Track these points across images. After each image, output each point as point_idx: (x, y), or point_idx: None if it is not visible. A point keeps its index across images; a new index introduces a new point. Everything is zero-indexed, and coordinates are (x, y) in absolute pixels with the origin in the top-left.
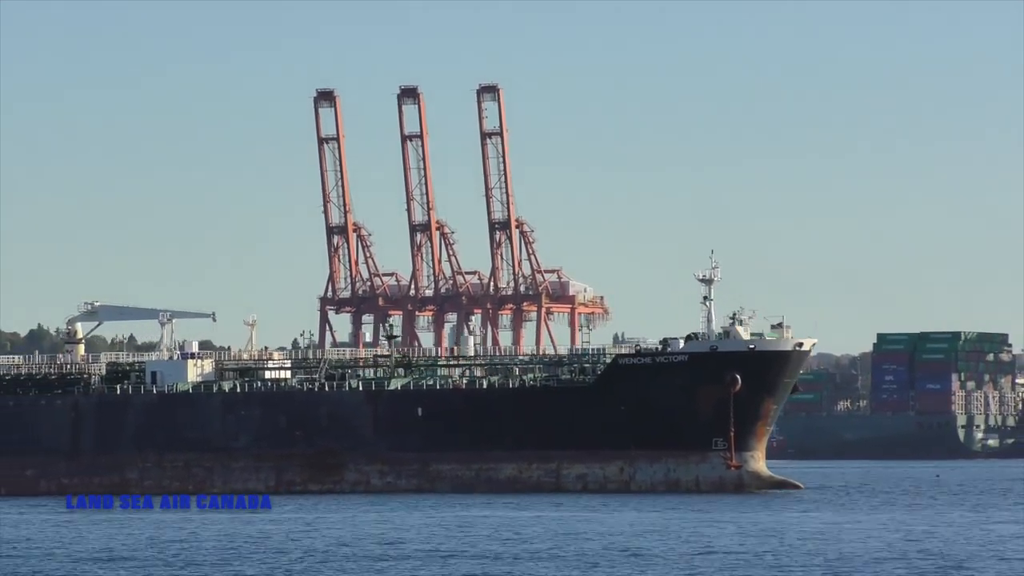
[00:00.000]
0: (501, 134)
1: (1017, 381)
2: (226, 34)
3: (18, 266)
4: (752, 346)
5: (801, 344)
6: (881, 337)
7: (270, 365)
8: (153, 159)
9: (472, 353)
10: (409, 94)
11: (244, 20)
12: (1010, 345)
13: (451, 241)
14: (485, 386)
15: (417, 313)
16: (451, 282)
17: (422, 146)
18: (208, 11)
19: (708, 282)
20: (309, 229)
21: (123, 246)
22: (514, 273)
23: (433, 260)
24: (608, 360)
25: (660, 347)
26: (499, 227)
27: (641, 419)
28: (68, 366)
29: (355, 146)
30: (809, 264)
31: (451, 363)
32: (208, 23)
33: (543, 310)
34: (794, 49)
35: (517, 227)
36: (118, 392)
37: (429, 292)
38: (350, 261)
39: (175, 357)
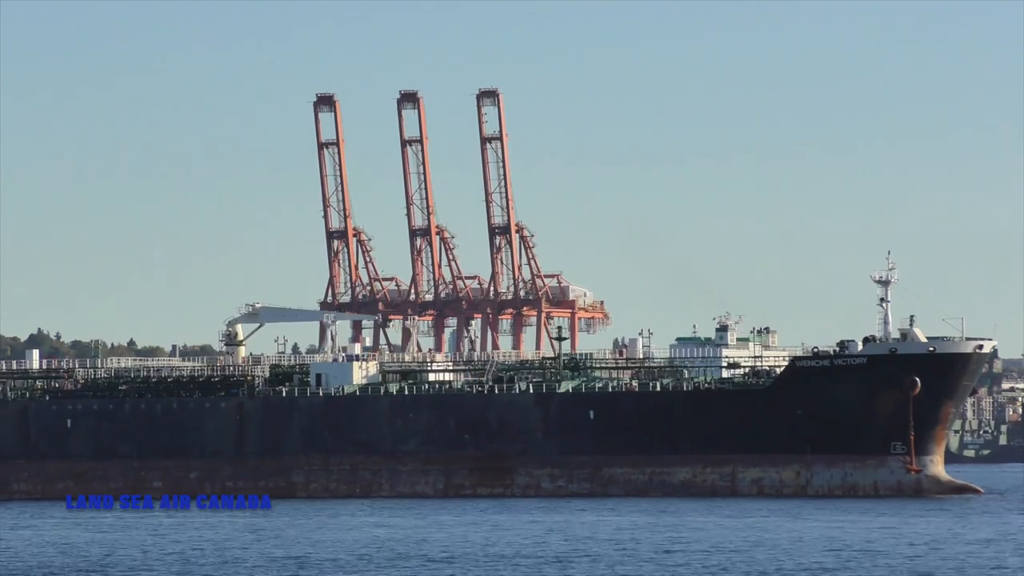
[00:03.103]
0: (501, 139)
1: (997, 387)
2: (225, 39)
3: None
4: (932, 348)
5: (981, 346)
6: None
7: (434, 367)
8: (151, 161)
9: (641, 356)
10: (409, 99)
11: (242, 25)
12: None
13: (451, 246)
14: (659, 388)
15: (417, 318)
16: (451, 287)
17: (422, 151)
18: (206, 16)
19: (885, 283)
20: (309, 234)
21: (119, 249)
22: (514, 278)
23: (433, 265)
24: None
25: (837, 350)
26: (499, 232)
27: (818, 422)
28: (230, 368)
29: (355, 151)
30: (802, 267)
31: (622, 365)
32: (206, 28)
33: (543, 315)
34: (793, 55)
35: (517, 232)
36: (283, 394)
37: (429, 297)
38: (350, 266)
39: (340, 359)
